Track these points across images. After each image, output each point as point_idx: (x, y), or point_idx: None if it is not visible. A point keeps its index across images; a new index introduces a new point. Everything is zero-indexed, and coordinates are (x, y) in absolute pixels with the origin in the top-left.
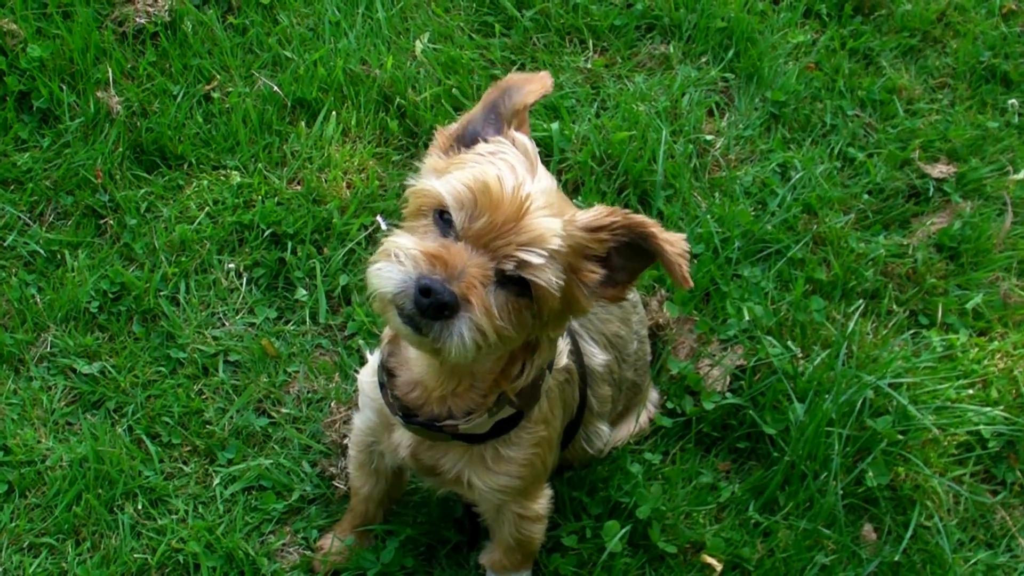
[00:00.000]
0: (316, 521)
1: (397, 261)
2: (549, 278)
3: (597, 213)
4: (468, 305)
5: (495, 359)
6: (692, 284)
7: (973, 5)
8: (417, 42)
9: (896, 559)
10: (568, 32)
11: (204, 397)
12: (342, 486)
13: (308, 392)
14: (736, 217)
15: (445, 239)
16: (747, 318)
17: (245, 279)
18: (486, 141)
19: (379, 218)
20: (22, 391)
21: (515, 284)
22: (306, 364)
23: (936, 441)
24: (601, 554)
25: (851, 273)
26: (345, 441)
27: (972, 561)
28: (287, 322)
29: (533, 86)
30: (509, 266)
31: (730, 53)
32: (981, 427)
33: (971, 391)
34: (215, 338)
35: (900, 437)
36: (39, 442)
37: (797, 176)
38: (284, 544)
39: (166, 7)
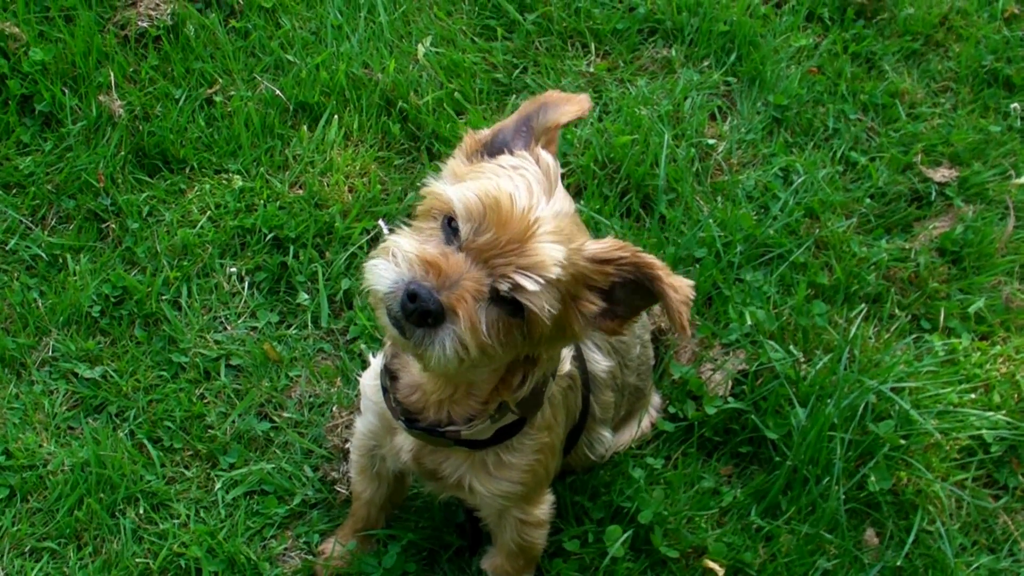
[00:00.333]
0: (318, 526)
1: (393, 261)
2: (542, 305)
3: (606, 246)
4: (454, 316)
5: (492, 370)
6: (691, 333)
7: (975, 9)
8: (419, 46)
9: (898, 564)
10: (570, 36)
11: (206, 401)
12: (344, 490)
13: (310, 396)
14: (738, 221)
15: (448, 247)
16: (749, 322)
17: (247, 283)
18: (512, 153)
19: (381, 222)
20: (24, 395)
21: (509, 304)
22: (308, 368)
23: (938, 446)
24: (603, 559)
25: (853, 277)
26: (347, 445)
27: (974, 566)
28: (289, 326)
29: (570, 107)
30: (504, 286)
31: (732, 57)
32: (983, 431)
33: (973, 395)
34: (217, 342)
35: (902, 442)
36: (41, 446)
37: (799, 180)
38: (286, 549)
39: (168, 11)
